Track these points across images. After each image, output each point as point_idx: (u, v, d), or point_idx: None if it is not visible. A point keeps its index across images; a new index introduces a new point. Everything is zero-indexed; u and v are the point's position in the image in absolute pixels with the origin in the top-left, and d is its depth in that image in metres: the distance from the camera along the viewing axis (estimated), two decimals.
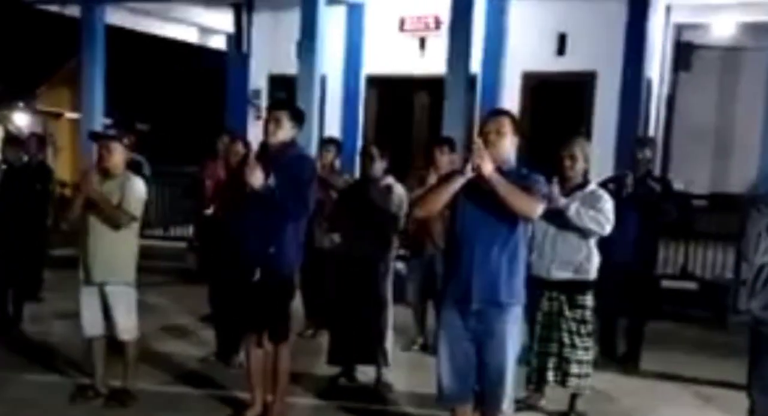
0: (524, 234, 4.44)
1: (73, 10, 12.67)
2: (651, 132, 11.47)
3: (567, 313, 5.43)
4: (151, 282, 8.39)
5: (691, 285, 9.35)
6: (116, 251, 5.54)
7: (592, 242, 5.44)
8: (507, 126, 4.34)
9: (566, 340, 5.43)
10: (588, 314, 5.47)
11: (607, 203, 5.39)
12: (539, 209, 4.24)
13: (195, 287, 7.67)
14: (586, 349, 5.48)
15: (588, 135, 9.88)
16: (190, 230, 9.68)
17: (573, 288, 5.43)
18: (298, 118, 5.23)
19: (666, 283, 9.07)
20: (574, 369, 5.43)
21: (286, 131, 5.11)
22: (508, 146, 4.35)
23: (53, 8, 13.22)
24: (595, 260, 5.47)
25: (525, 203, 4.16)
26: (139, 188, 5.60)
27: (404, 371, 6.46)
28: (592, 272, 5.47)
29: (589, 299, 5.47)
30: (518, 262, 4.37)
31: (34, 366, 6.55)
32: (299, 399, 5.88)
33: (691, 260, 9.62)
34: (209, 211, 6.80)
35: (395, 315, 6.40)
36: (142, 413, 5.62)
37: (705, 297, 9.10)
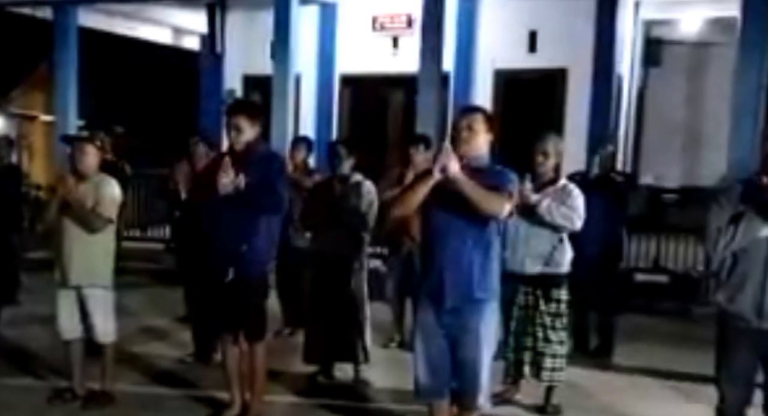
0: (497, 231, 4.45)
1: (46, 12, 12.61)
2: (622, 127, 11.61)
3: (542, 307, 5.49)
4: (129, 283, 8.35)
5: (662, 278, 9.47)
6: (92, 254, 5.52)
7: (565, 236, 5.51)
8: (480, 123, 4.35)
9: (540, 334, 5.50)
10: (563, 307, 5.54)
11: (578, 199, 5.46)
12: (505, 208, 4.24)
13: (172, 288, 7.69)
14: (560, 343, 5.55)
15: (559, 131, 9.96)
16: (167, 231, 9.68)
17: (547, 282, 5.50)
18: (257, 116, 5.26)
19: (638, 276, 9.19)
20: (548, 362, 5.50)
21: (248, 134, 5.14)
22: (481, 142, 4.36)
23: (25, 10, 13.14)
24: (568, 253, 5.54)
25: (490, 203, 4.17)
26: (113, 189, 5.58)
27: (382, 368, 6.50)
28: (565, 266, 5.54)
29: (563, 293, 5.54)
30: (492, 258, 4.39)
31: (12, 370, 6.52)
32: (278, 397, 5.91)
33: (663, 253, 9.75)
34: (179, 213, 6.84)
35: (374, 312, 6.46)
36: (121, 414, 5.63)
37: (676, 290, 9.22)
